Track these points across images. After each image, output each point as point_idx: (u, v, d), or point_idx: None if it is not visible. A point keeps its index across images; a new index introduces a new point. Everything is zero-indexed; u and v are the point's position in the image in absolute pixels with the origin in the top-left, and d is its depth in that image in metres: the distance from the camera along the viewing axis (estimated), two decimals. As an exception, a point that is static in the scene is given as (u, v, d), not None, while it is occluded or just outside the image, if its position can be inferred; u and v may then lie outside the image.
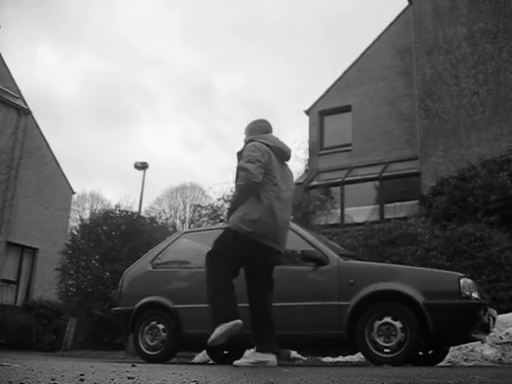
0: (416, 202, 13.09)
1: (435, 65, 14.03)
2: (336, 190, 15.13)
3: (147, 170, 17.39)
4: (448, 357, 5.34)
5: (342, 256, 4.74)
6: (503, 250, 8.28)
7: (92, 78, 49.90)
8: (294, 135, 51.94)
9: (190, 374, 2.46)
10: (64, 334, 12.35)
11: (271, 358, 3.71)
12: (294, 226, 4.98)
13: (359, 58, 16.79)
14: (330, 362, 6.17)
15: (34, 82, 43.11)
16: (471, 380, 2.10)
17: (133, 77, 51.42)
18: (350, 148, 15.91)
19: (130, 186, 48.59)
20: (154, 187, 41.40)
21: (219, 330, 3.58)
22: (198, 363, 6.25)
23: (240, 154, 3.97)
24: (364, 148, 15.54)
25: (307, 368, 3.85)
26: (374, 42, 16.70)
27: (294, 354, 6.46)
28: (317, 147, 16.52)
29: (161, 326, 5.14)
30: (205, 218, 15.18)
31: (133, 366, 3.32)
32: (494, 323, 4.73)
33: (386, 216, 13.78)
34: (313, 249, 4.68)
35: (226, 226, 3.98)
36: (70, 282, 12.74)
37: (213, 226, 8.69)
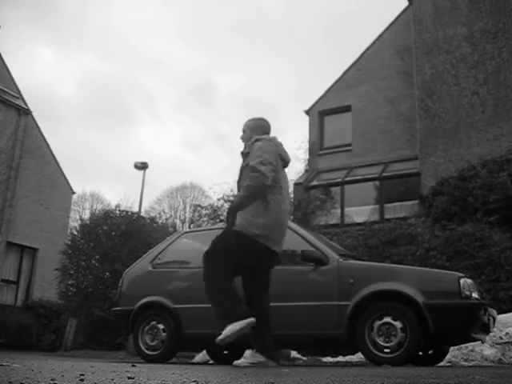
0: (416, 202, 13.09)
1: (435, 65, 14.03)
2: (336, 190, 15.13)
3: (147, 170, 17.41)
4: (448, 357, 5.34)
5: (342, 256, 4.74)
6: (503, 250, 8.28)
7: (92, 77, 49.96)
8: (294, 135, 51.96)
9: (190, 373, 2.46)
10: (64, 334, 12.35)
11: (266, 360, 3.72)
12: (294, 226, 4.98)
13: (359, 58, 16.79)
14: (330, 362, 6.17)
15: (33, 81, 43.16)
16: (471, 380, 2.10)
17: (132, 77, 51.47)
18: (350, 148, 15.91)
19: (130, 186, 48.66)
20: (153, 187, 41.44)
21: (230, 329, 3.56)
22: (198, 363, 6.25)
23: (245, 154, 3.94)
24: (364, 148, 15.54)
25: (307, 368, 3.85)
26: (374, 42, 16.70)
27: (294, 354, 6.46)
28: (317, 147, 16.52)
29: (161, 326, 5.14)
30: (205, 218, 15.18)
31: (133, 366, 3.32)
32: (494, 323, 4.73)
33: (386, 216, 13.77)
34: (313, 249, 4.68)
35: (229, 226, 3.90)
36: (70, 282, 12.74)
37: (213, 226, 8.69)
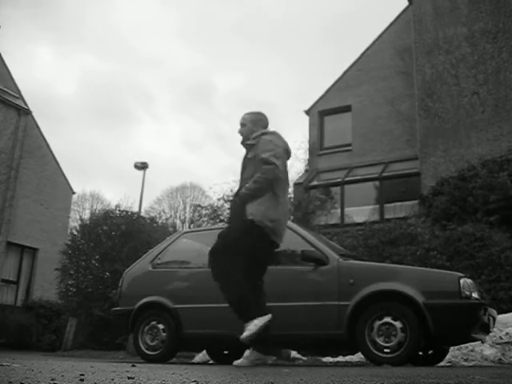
0: (416, 202, 13.09)
1: (435, 65, 14.03)
2: (336, 190, 15.13)
3: (147, 170, 17.41)
4: (448, 357, 5.34)
5: (342, 256, 4.74)
6: (503, 250, 8.28)
7: (91, 77, 49.97)
8: (294, 135, 51.90)
9: (190, 373, 2.46)
10: (64, 334, 12.35)
11: (265, 358, 3.75)
12: (294, 226, 4.99)
13: (359, 58, 16.79)
14: (330, 362, 6.17)
15: (33, 81, 43.17)
16: (471, 380, 2.10)
17: (132, 77, 51.48)
18: (350, 148, 15.91)
19: (130, 186, 48.65)
20: (153, 187, 41.43)
21: (254, 326, 3.56)
22: (198, 363, 6.25)
23: (251, 146, 3.96)
24: (364, 148, 15.54)
25: (307, 368, 3.85)
26: (374, 42, 16.70)
27: (294, 354, 6.46)
28: (317, 147, 16.52)
29: (161, 326, 5.14)
30: (205, 218, 15.19)
31: (133, 366, 3.32)
32: (494, 323, 4.73)
33: (386, 216, 13.78)
34: (313, 249, 4.68)
35: (239, 217, 3.86)
36: (70, 282, 12.74)
37: (213, 226, 8.69)
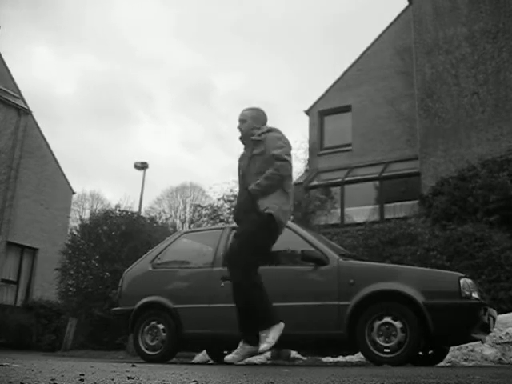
0: (416, 202, 13.09)
1: (435, 65, 14.03)
2: (336, 189, 15.13)
3: (147, 170, 17.41)
4: (448, 357, 5.34)
5: (342, 256, 4.74)
6: (503, 250, 8.28)
7: (91, 77, 49.96)
8: (294, 135, 51.81)
9: (190, 373, 2.46)
10: (64, 334, 12.35)
11: (256, 349, 3.76)
12: (294, 226, 4.98)
13: (359, 58, 16.79)
14: (330, 362, 6.18)
15: (33, 82, 43.18)
16: (471, 380, 2.10)
17: (132, 77, 51.47)
18: (350, 148, 15.92)
19: (130, 186, 48.63)
20: (153, 187, 41.43)
21: (273, 337, 3.59)
22: (198, 363, 6.25)
23: (256, 142, 3.96)
24: (364, 148, 15.54)
25: (307, 368, 3.85)
26: (374, 42, 16.70)
27: (293, 354, 6.47)
28: (317, 147, 16.52)
29: (161, 326, 5.14)
30: (205, 218, 15.18)
31: (133, 366, 3.32)
32: (494, 323, 4.73)
33: (386, 216, 13.78)
34: (313, 249, 4.68)
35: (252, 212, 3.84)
36: (70, 282, 12.74)
37: (213, 226, 8.69)
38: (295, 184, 15.55)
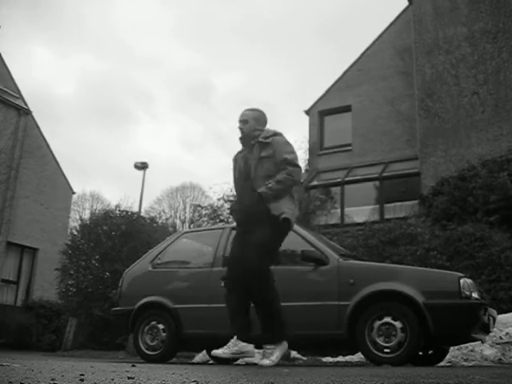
0: (416, 202, 13.09)
1: (435, 65, 14.03)
2: (336, 189, 15.13)
3: (147, 170, 17.40)
4: (448, 357, 5.34)
5: (342, 256, 4.74)
6: (503, 250, 8.28)
7: (91, 77, 49.97)
8: (294, 135, 51.88)
9: (190, 373, 2.46)
10: (64, 334, 12.35)
11: (250, 349, 3.73)
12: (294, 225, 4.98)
13: (359, 58, 16.79)
14: (330, 362, 6.17)
15: (32, 82, 43.18)
16: (471, 380, 2.10)
17: (131, 76, 51.46)
18: (350, 148, 15.92)
19: (130, 186, 48.61)
20: (153, 187, 41.43)
21: (276, 358, 3.61)
22: (198, 363, 6.25)
23: (263, 144, 3.90)
24: (364, 148, 15.54)
25: (307, 368, 3.85)
26: (374, 42, 16.70)
27: (294, 354, 6.47)
28: (317, 147, 16.52)
29: (161, 326, 5.14)
30: (205, 218, 15.19)
31: (133, 366, 3.32)
32: (494, 323, 4.73)
33: (386, 216, 13.78)
34: (313, 249, 4.68)
35: (274, 216, 3.76)
36: (70, 282, 12.74)
37: (213, 226, 8.69)
38: (295, 184, 15.56)
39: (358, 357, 5.84)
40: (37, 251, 17.94)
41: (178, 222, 29.21)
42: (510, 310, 6.79)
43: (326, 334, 4.49)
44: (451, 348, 5.33)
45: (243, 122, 4.03)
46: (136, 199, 18.15)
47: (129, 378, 2.02)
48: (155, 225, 13.97)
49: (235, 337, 3.73)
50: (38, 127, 18.79)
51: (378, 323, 4.21)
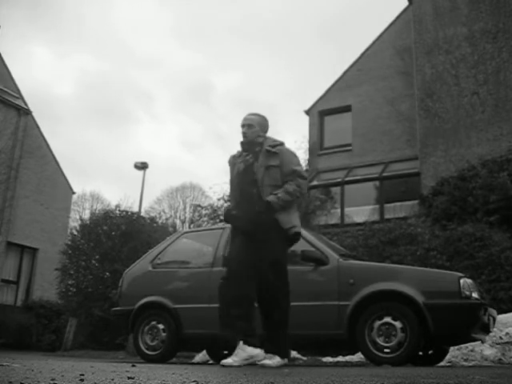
0: (416, 202, 13.09)
1: (435, 65, 14.03)
2: (336, 189, 15.12)
3: (147, 170, 17.40)
4: (448, 357, 5.35)
5: (342, 256, 4.74)
6: (503, 250, 8.28)
7: (90, 77, 49.93)
8: (294, 135, 51.95)
9: (190, 373, 2.46)
10: (64, 334, 12.35)
11: (259, 352, 3.60)
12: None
13: (359, 57, 16.79)
14: (330, 362, 6.17)
15: (32, 81, 43.18)
16: (471, 380, 2.10)
17: (131, 76, 51.46)
18: (350, 148, 15.91)
19: (130, 186, 48.61)
20: (153, 187, 41.43)
21: (279, 364, 3.57)
22: (198, 363, 6.25)
23: (272, 153, 3.85)
24: (364, 148, 15.53)
25: (307, 368, 3.85)
26: (374, 42, 16.69)
27: (293, 354, 6.47)
28: (317, 147, 16.51)
29: (161, 326, 5.14)
30: (205, 218, 15.19)
31: (133, 366, 3.32)
32: (494, 323, 4.74)
33: (386, 216, 13.77)
34: (313, 249, 4.68)
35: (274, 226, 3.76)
36: (70, 282, 12.74)
37: (213, 226, 8.69)
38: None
39: (358, 357, 5.84)
40: (37, 251, 17.94)
41: (178, 221, 29.22)
42: (510, 310, 6.79)
43: (326, 334, 4.49)
44: (451, 348, 5.33)
45: (249, 126, 3.92)
46: (136, 199, 18.16)
47: (129, 377, 2.02)
48: (155, 225, 13.97)
49: (241, 342, 3.61)
50: (37, 127, 18.78)
51: (378, 323, 4.21)
